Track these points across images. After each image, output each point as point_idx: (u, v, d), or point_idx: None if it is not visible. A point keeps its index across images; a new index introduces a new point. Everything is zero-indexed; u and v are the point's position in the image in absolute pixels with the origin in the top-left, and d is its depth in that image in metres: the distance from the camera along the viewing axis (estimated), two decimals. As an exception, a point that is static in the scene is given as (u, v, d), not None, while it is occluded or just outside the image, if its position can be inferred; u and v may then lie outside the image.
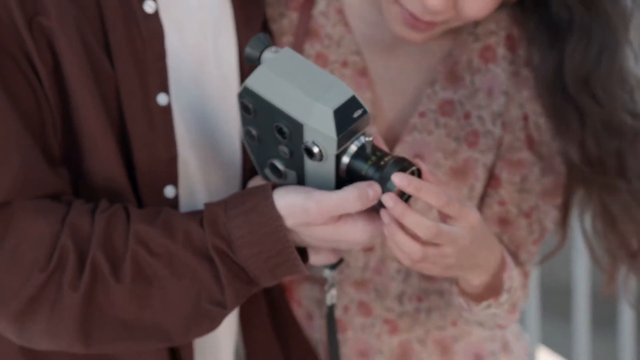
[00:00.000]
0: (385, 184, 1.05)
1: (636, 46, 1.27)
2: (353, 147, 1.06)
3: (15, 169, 1.09)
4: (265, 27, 1.38)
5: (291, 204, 1.09)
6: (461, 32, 1.36)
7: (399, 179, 1.05)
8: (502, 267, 1.24)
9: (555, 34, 1.26)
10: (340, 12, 1.39)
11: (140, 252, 1.10)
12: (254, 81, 1.06)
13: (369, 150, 1.06)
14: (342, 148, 1.05)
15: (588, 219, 1.39)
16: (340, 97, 1.03)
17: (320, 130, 1.03)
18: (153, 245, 1.10)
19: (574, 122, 1.27)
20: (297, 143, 1.06)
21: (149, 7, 1.15)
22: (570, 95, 1.25)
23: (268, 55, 1.09)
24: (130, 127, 1.15)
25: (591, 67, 1.23)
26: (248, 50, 1.10)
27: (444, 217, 1.11)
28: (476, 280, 1.22)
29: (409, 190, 1.06)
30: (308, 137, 1.05)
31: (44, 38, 1.10)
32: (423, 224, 1.07)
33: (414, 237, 1.09)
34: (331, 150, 1.04)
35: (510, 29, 1.36)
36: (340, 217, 1.09)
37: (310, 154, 1.05)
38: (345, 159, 1.07)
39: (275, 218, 1.09)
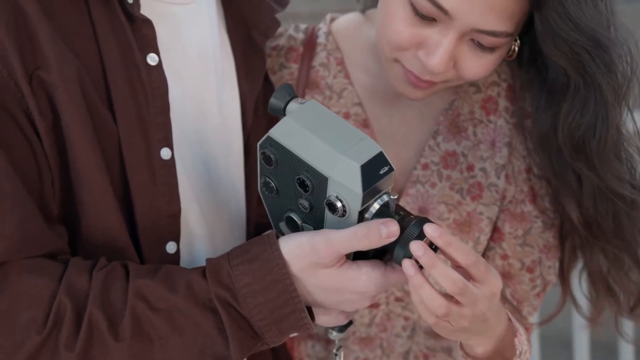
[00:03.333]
0: (407, 245, 1.02)
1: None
2: (376, 205, 1.03)
3: (13, 228, 1.05)
4: (266, 78, 1.36)
5: (298, 244, 1.05)
6: (462, 83, 1.35)
7: (431, 229, 1.02)
8: (512, 332, 1.20)
9: (551, 95, 1.25)
10: (341, 63, 1.38)
11: (139, 307, 1.06)
12: (279, 132, 1.03)
13: (392, 209, 1.04)
14: (366, 205, 1.02)
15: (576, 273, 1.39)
16: (368, 152, 1.00)
17: (345, 184, 1.00)
18: (153, 299, 1.07)
19: (572, 182, 1.25)
20: (319, 197, 1.03)
21: (151, 60, 1.13)
22: (565, 157, 1.24)
23: (293, 106, 1.06)
24: (132, 182, 1.12)
25: (585, 134, 1.21)
26: (273, 100, 1.08)
27: (466, 278, 1.07)
28: (479, 348, 1.17)
29: (439, 242, 1.02)
30: (332, 192, 1.02)
31: (44, 93, 1.06)
32: (451, 277, 1.03)
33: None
34: (355, 206, 1.01)
35: (512, 80, 1.35)
36: (345, 262, 1.06)
37: (332, 208, 1.02)
38: (368, 217, 1.03)
39: (281, 265, 1.05)
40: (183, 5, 1.20)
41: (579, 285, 1.41)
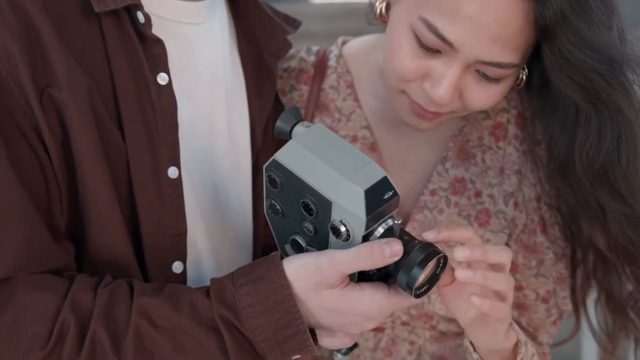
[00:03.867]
0: (411, 270, 1.02)
1: None
2: (380, 230, 1.03)
3: (20, 243, 1.06)
4: (277, 100, 1.36)
5: (302, 264, 1.05)
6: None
7: (461, 252, 1.05)
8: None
9: (564, 123, 1.23)
10: (351, 86, 1.37)
11: (143, 325, 1.06)
12: (284, 155, 1.03)
13: (396, 233, 1.03)
14: (370, 229, 1.02)
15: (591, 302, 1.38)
16: (372, 177, 1.00)
17: (349, 209, 1.00)
18: (157, 317, 1.07)
19: (596, 210, 1.24)
20: (323, 220, 1.03)
21: (161, 79, 1.13)
22: (587, 188, 1.22)
23: (299, 129, 1.07)
24: (139, 201, 1.12)
25: (606, 161, 1.20)
26: (279, 123, 1.08)
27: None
28: (507, 342, 1.17)
29: (476, 257, 1.05)
30: (336, 216, 1.01)
31: (54, 110, 1.07)
32: (502, 250, 1.07)
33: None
34: (359, 230, 1.01)
35: (521, 106, 1.34)
36: (349, 283, 1.06)
37: (336, 232, 1.02)
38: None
39: (285, 287, 1.05)
40: (195, 26, 1.20)
41: (595, 314, 1.39)
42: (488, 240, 1.33)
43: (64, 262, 1.11)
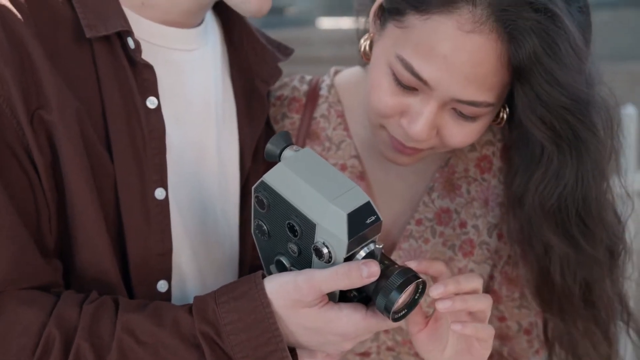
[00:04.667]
0: (389, 293, 1.03)
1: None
2: (362, 253, 1.05)
3: (8, 260, 1.08)
4: (268, 126, 1.39)
5: (282, 283, 1.07)
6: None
7: (436, 291, 1.08)
8: None
9: (529, 161, 1.25)
10: (341, 115, 1.39)
11: (126, 340, 1.08)
12: (272, 177, 1.06)
13: (377, 258, 1.05)
14: (352, 252, 1.04)
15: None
16: (356, 201, 1.03)
17: (332, 231, 1.02)
18: (140, 332, 1.08)
19: (539, 250, 1.26)
20: (307, 242, 1.05)
21: (150, 103, 1.15)
22: (535, 226, 1.24)
23: (288, 153, 1.09)
24: (125, 221, 1.14)
25: (560, 200, 1.22)
26: (269, 147, 1.11)
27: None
28: None
29: (452, 290, 1.08)
30: (319, 238, 1.04)
31: (44, 132, 1.09)
32: (473, 277, 1.10)
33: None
34: (340, 253, 1.03)
35: (507, 140, 1.36)
36: (327, 303, 1.07)
37: (319, 254, 1.04)
38: None
39: (265, 305, 1.07)
40: (187, 52, 1.22)
41: None
42: (472, 270, 1.34)
43: (52, 279, 1.12)
